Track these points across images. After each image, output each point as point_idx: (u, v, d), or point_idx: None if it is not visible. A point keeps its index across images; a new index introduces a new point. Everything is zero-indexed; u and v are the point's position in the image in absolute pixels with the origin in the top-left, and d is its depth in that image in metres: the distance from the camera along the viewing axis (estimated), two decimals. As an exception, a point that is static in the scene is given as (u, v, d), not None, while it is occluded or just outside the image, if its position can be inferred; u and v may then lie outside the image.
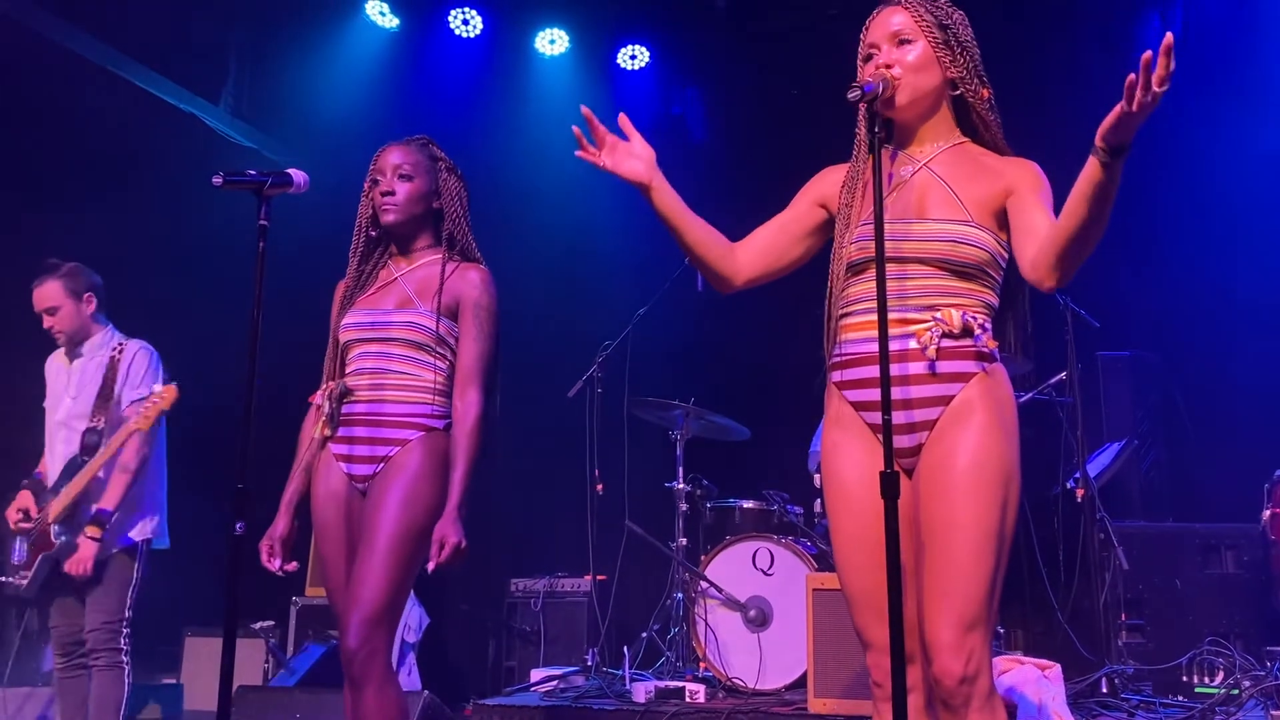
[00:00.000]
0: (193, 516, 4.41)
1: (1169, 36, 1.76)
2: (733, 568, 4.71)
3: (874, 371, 2.10)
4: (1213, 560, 4.74)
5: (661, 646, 4.92)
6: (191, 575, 4.87)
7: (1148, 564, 4.71)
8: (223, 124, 6.52)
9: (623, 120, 2.33)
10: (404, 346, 2.85)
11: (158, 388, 3.89)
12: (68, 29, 5.59)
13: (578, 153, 2.32)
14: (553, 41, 7.14)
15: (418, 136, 3.05)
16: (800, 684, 4.33)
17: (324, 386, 2.89)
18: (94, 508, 3.86)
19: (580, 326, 6.04)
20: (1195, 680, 4.40)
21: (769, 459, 5.79)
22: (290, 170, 2.68)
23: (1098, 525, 4.58)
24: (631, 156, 2.31)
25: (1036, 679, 3.62)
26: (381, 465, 2.78)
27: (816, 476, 4.96)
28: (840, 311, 2.27)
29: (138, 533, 3.98)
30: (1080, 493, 4.55)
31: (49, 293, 4.09)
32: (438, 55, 7.05)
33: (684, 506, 5.06)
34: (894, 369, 2.12)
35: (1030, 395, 4.77)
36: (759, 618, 4.61)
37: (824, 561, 4.60)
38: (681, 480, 5.09)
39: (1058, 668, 3.71)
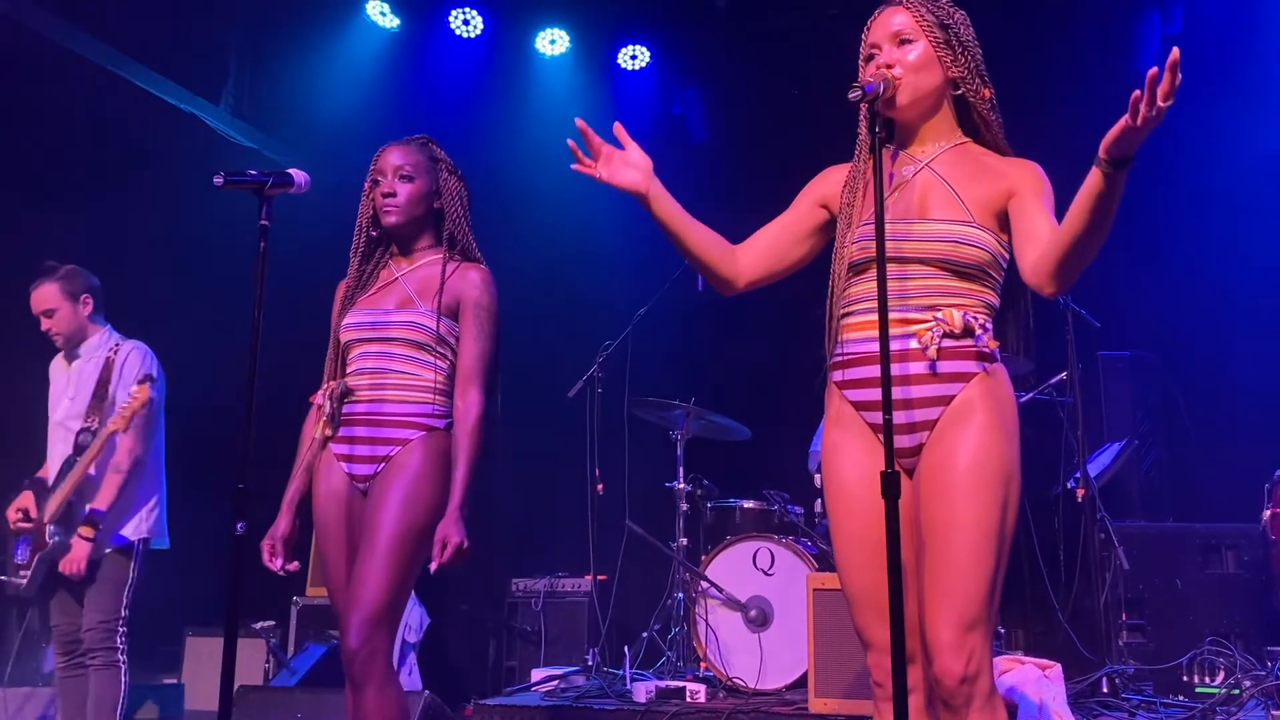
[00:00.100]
0: (193, 516, 4.41)
1: (1175, 52, 1.76)
2: (733, 568, 4.71)
3: (875, 371, 2.10)
4: (1213, 560, 4.74)
5: (662, 646, 4.92)
6: (192, 575, 4.87)
7: (1148, 564, 4.71)
8: (223, 124, 6.52)
9: (618, 129, 2.33)
10: (405, 346, 2.85)
11: (134, 388, 3.90)
12: (68, 29, 5.59)
13: (574, 166, 2.31)
14: (553, 41, 7.14)
15: (418, 136, 3.05)
16: (801, 684, 4.33)
17: (325, 386, 2.90)
18: (87, 508, 3.88)
19: (581, 326, 6.05)
20: (1196, 680, 4.40)
21: (769, 459, 5.79)
22: (291, 170, 2.68)
23: (1098, 525, 4.58)
24: (627, 166, 2.31)
25: (1037, 679, 3.62)
26: (382, 465, 2.79)
27: (817, 476, 4.96)
28: (841, 311, 2.27)
29: (132, 532, 3.99)
30: (1081, 493, 4.55)
31: (46, 295, 4.10)
32: (438, 55, 7.05)
33: (684, 506, 5.06)
34: (895, 369, 2.12)
35: (1031, 395, 4.77)
36: (760, 618, 4.61)
37: (824, 561, 4.60)
38: (682, 480, 5.09)
39: (1058, 667, 3.71)
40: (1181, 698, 4.30)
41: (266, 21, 6.56)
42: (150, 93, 6.09)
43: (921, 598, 2.11)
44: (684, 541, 4.96)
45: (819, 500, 4.93)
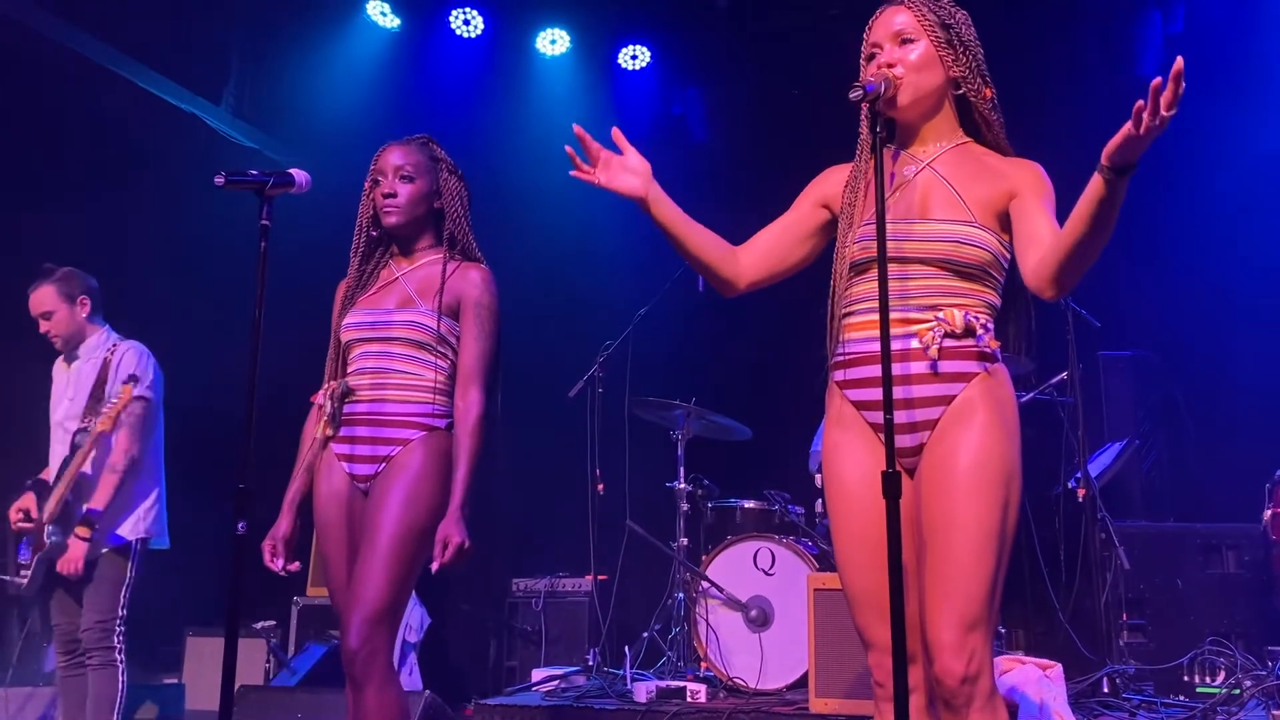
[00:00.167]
0: (194, 516, 4.42)
1: (1179, 62, 1.76)
2: (734, 568, 4.71)
3: (876, 371, 2.10)
4: (1214, 560, 4.74)
5: (663, 646, 4.92)
6: (193, 575, 4.88)
7: (1149, 564, 4.71)
8: (224, 124, 6.52)
9: (616, 134, 2.32)
10: (405, 346, 2.85)
11: (118, 388, 3.91)
12: (68, 29, 5.59)
13: (572, 173, 2.31)
14: (554, 41, 7.14)
15: (418, 136, 3.05)
16: (802, 684, 4.33)
17: (326, 386, 2.90)
18: (84, 508, 3.89)
19: (581, 326, 6.05)
20: (1196, 680, 4.39)
21: (770, 459, 5.79)
22: (292, 170, 2.68)
23: (1099, 525, 4.58)
24: (626, 171, 2.31)
25: (1038, 679, 3.62)
26: (383, 465, 2.79)
27: (817, 476, 4.96)
28: (843, 311, 2.27)
29: (129, 531, 3.99)
30: (1081, 492, 4.55)
31: (43, 298, 4.12)
32: (439, 55, 7.05)
33: (685, 506, 5.06)
34: (896, 368, 2.12)
35: (1031, 395, 4.76)
36: (760, 618, 4.61)
37: (825, 561, 4.60)
38: (683, 480, 5.09)
39: (1059, 667, 3.71)
40: (1182, 698, 4.30)
41: (267, 21, 6.56)
42: (151, 93, 6.10)
43: (922, 598, 2.11)
44: (684, 541, 4.96)
45: (820, 500, 4.93)
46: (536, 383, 5.56)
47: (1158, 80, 1.77)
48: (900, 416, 2.15)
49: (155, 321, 4.65)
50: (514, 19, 7.06)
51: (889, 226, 2.15)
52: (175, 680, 5.42)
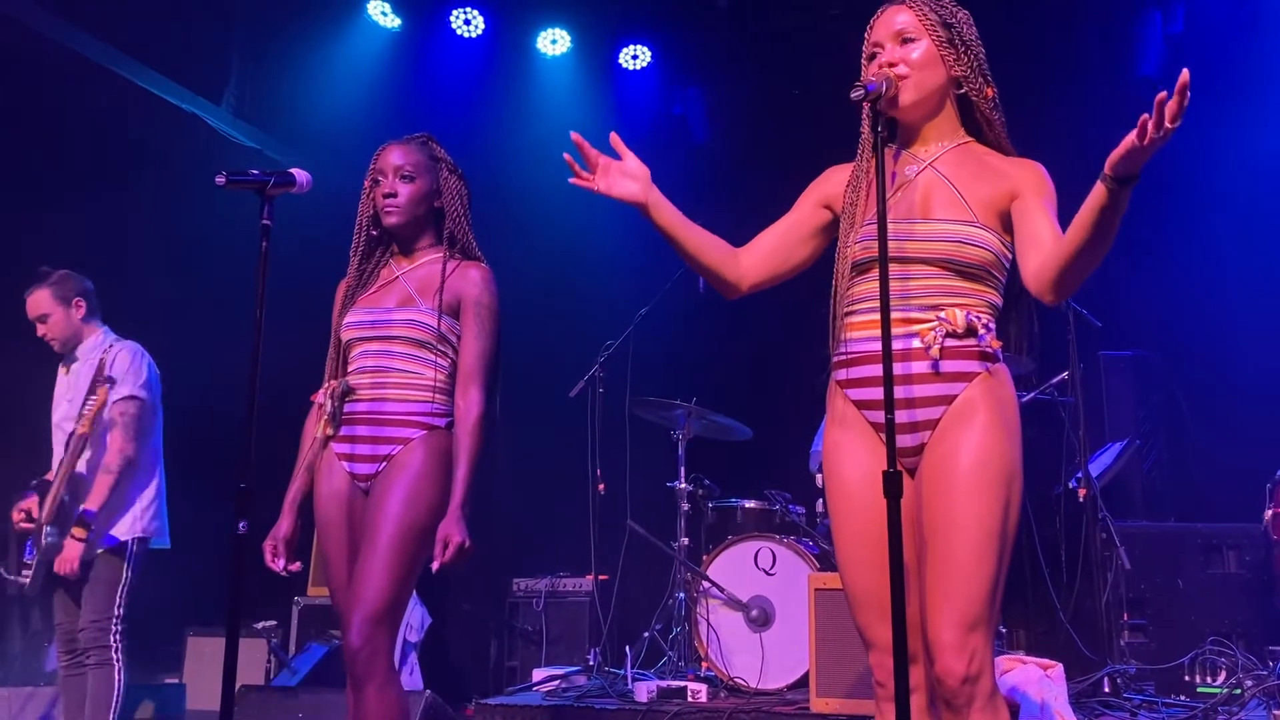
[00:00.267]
0: (194, 516, 4.42)
1: (1184, 74, 1.76)
2: (735, 567, 4.71)
3: (877, 370, 2.10)
4: (1215, 560, 4.74)
5: (663, 646, 4.92)
6: (193, 575, 4.87)
7: (1150, 564, 4.71)
8: (225, 124, 6.52)
9: (614, 140, 2.32)
10: (405, 345, 2.85)
11: (98, 390, 3.92)
12: (68, 29, 5.58)
13: (571, 180, 2.31)
14: (554, 41, 7.14)
15: (418, 135, 3.04)
16: (802, 684, 4.33)
17: (326, 385, 2.90)
18: (80, 508, 3.89)
19: (582, 326, 6.05)
20: (1197, 680, 4.39)
21: (771, 459, 5.79)
22: (293, 170, 2.68)
23: (1100, 525, 4.58)
24: (625, 176, 2.31)
25: (1039, 679, 3.62)
26: (384, 464, 2.79)
27: (818, 476, 4.96)
28: (844, 310, 2.27)
29: (125, 531, 4.00)
30: (1082, 492, 4.55)
31: (39, 301, 4.14)
32: (439, 55, 7.05)
33: (686, 506, 5.05)
34: (897, 368, 2.12)
35: (1032, 395, 4.76)
36: (761, 617, 4.61)
37: (826, 561, 4.60)
38: (683, 480, 5.09)
39: (1060, 667, 3.71)
40: (1183, 697, 4.30)
41: (268, 21, 6.56)
42: (152, 93, 6.09)
43: (923, 597, 2.11)
44: (685, 541, 4.96)
45: (820, 500, 4.93)
46: (537, 383, 5.56)
47: (1163, 94, 1.77)
48: (901, 416, 2.14)
49: (155, 321, 4.65)
50: (514, 19, 7.06)
51: (890, 226, 2.15)
52: (176, 680, 5.41)
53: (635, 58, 7.17)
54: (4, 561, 4.10)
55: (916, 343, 2.16)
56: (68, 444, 3.97)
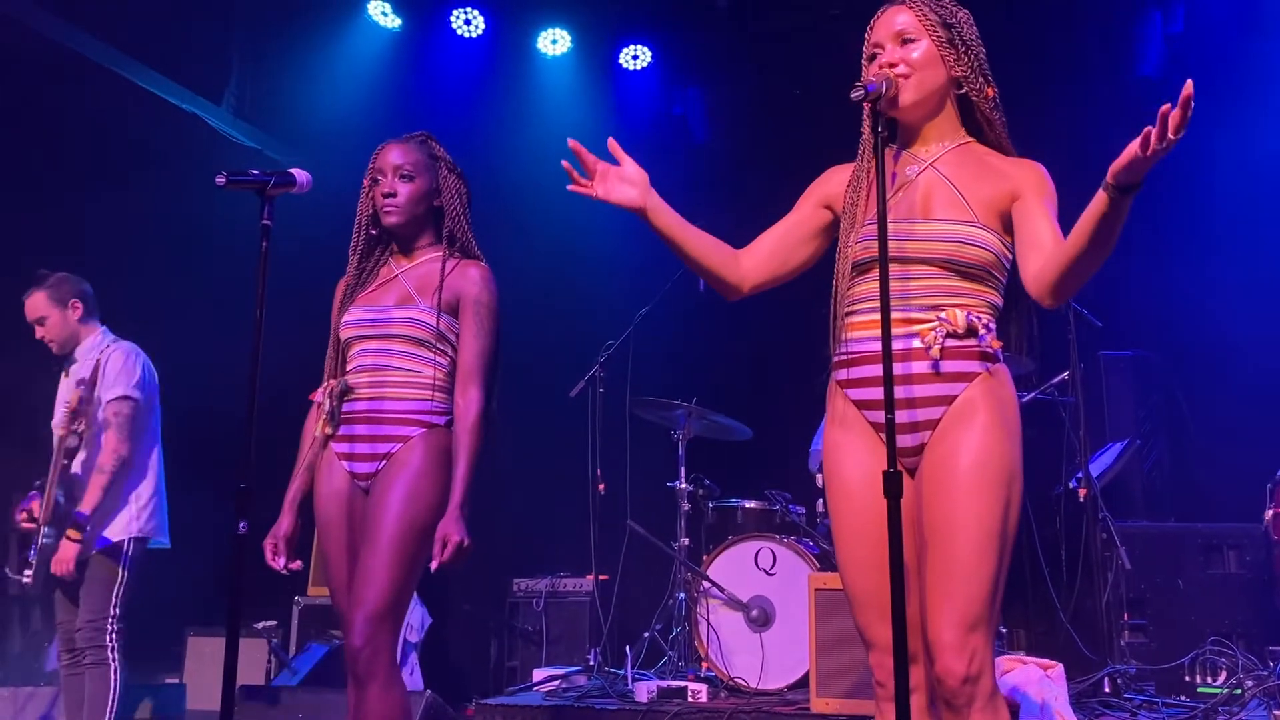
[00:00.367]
0: (195, 516, 4.42)
1: (1189, 86, 1.76)
2: (735, 567, 4.71)
3: (877, 370, 2.10)
4: (1215, 560, 4.73)
5: (664, 646, 4.92)
6: (193, 575, 4.88)
7: (1150, 564, 4.70)
8: (225, 124, 6.52)
9: (612, 145, 2.32)
10: (404, 343, 2.85)
11: (73, 394, 3.94)
12: (69, 29, 5.58)
13: (570, 187, 2.32)
14: (554, 41, 7.14)
15: (417, 133, 3.04)
16: (803, 684, 4.33)
17: (325, 384, 2.90)
18: (74, 510, 3.90)
19: (582, 326, 6.05)
20: (1198, 680, 4.39)
21: (771, 459, 5.79)
22: (293, 170, 2.68)
23: (1100, 525, 4.57)
24: (624, 182, 2.31)
25: (1039, 679, 3.62)
26: (383, 462, 2.78)
27: (818, 476, 4.96)
28: (845, 310, 2.27)
29: (120, 531, 4.00)
30: (1083, 492, 4.55)
31: (36, 304, 4.15)
32: (440, 55, 7.05)
33: (686, 506, 5.05)
34: (897, 368, 2.12)
35: (1033, 395, 4.76)
36: (761, 617, 4.61)
37: (826, 561, 4.60)
38: (683, 480, 5.09)
39: (1060, 667, 3.71)
40: (1183, 698, 4.30)
41: (268, 22, 6.56)
42: (152, 93, 6.09)
43: (923, 597, 2.11)
44: (686, 541, 4.96)
45: (821, 500, 4.93)
46: (537, 383, 5.56)
47: (1167, 106, 1.78)
48: (901, 416, 2.14)
49: (155, 321, 4.65)
50: (515, 19, 7.06)
51: (891, 226, 2.16)
52: (176, 680, 5.41)
53: (635, 58, 7.17)
54: (7, 561, 4.11)
55: (917, 343, 2.16)
56: (63, 444, 3.98)
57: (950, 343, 2.15)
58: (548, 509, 6.29)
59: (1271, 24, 5.91)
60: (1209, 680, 4.37)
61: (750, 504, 5.12)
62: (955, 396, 2.14)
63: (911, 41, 2.26)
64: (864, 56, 2.34)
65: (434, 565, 2.67)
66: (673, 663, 4.84)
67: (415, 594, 4.02)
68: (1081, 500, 4.55)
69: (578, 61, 7.18)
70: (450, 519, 2.68)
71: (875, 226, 2.11)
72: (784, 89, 6.86)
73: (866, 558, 2.18)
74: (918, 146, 2.33)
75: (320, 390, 2.89)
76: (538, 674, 4.87)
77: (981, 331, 2.16)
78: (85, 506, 3.90)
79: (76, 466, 4.00)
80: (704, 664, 4.71)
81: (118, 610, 3.96)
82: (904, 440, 2.16)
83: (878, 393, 2.09)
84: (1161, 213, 5.61)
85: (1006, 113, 2.34)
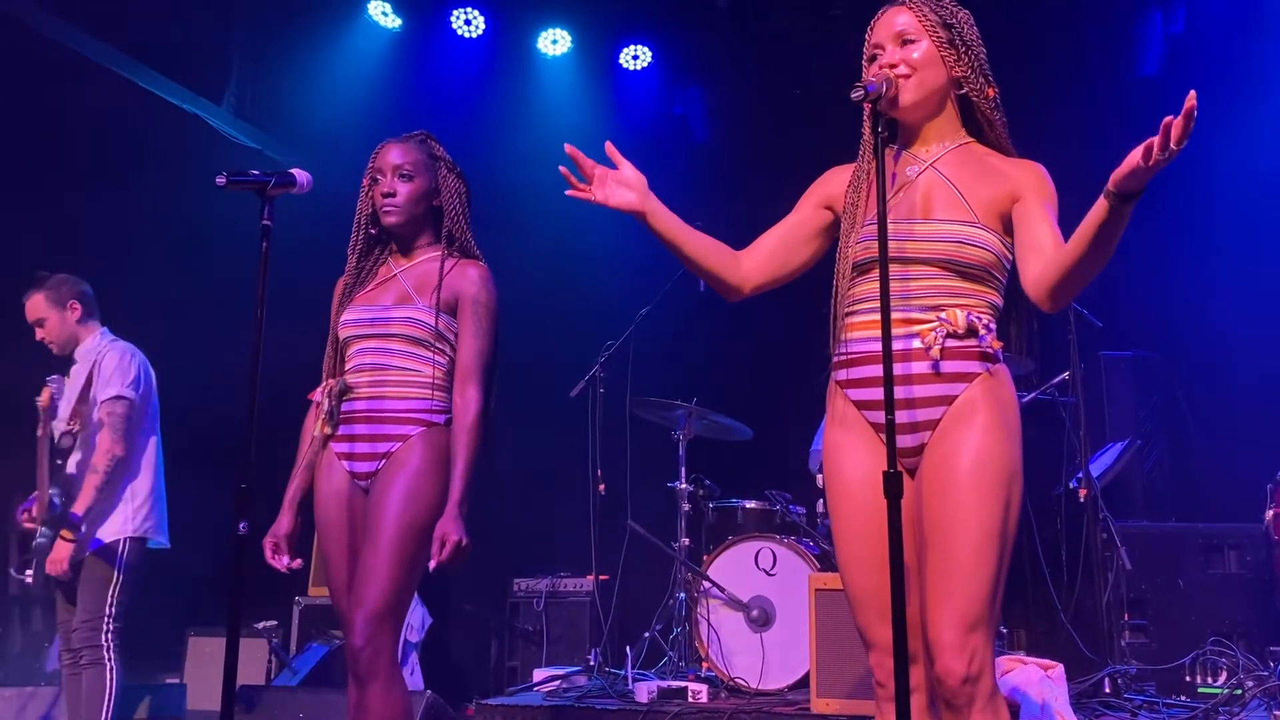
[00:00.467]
0: (194, 516, 4.41)
1: (1192, 97, 1.77)
2: (735, 568, 4.71)
3: (877, 370, 2.10)
4: (1215, 560, 4.73)
5: (664, 646, 4.92)
6: (194, 575, 4.88)
7: (1150, 564, 4.70)
8: (225, 124, 6.51)
9: (610, 149, 2.32)
10: (403, 342, 2.85)
11: (44, 391, 3.95)
12: (69, 29, 5.58)
13: (568, 192, 2.32)
14: (555, 41, 7.13)
15: (417, 133, 3.04)
16: (803, 684, 4.33)
17: (324, 384, 2.89)
18: (70, 510, 3.91)
19: (582, 326, 6.04)
20: (1198, 680, 4.39)
21: (771, 459, 5.79)
22: (293, 170, 2.68)
23: (1100, 525, 4.57)
24: (622, 186, 2.31)
25: (1039, 679, 3.61)
26: (383, 462, 2.78)
27: (818, 476, 4.96)
28: (845, 310, 2.27)
29: (115, 531, 3.99)
30: (1083, 493, 4.54)
31: (35, 305, 4.16)
32: (440, 55, 7.05)
33: (686, 506, 5.05)
34: (897, 368, 2.12)
35: (1033, 395, 4.76)
36: (761, 618, 4.61)
37: (826, 561, 4.60)
38: (684, 480, 5.09)
39: (1060, 668, 3.71)
40: (1184, 698, 4.29)
41: (269, 21, 6.55)
42: (152, 93, 6.09)
43: (923, 598, 2.11)
44: (686, 541, 4.96)
45: (821, 500, 4.93)
46: (537, 383, 5.56)
47: (1169, 118, 1.78)
48: (901, 416, 2.14)
49: (155, 321, 4.65)
50: (515, 19, 7.05)
51: (891, 227, 2.16)
52: (177, 680, 5.41)
53: (636, 58, 7.16)
54: (9, 561, 4.11)
55: (917, 343, 2.16)
56: (60, 444, 3.99)
57: (950, 343, 2.15)
58: (548, 509, 6.29)
59: (1272, 24, 5.91)
60: (1209, 680, 4.37)
61: (750, 504, 5.12)
62: (955, 397, 2.14)
63: (912, 42, 2.26)
64: (864, 57, 2.34)
65: (432, 565, 2.67)
66: (673, 663, 4.84)
67: (416, 594, 4.04)
68: (1082, 500, 4.55)
69: (578, 61, 7.18)
70: (448, 518, 2.68)
71: (875, 227, 2.11)
72: (784, 89, 6.86)
73: (867, 558, 2.18)
74: (918, 147, 2.33)
75: (319, 390, 2.89)
76: (538, 674, 4.87)
77: (982, 332, 2.16)
78: (79, 507, 3.90)
79: (72, 467, 4.00)
80: (704, 664, 4.71)
81: (113, 610, 3.96)
82: (904, 440, 2.16)
83: (878, 393, 2.09)
84: (1162, 213, 5.59)
85: (1007, 113, 2.34)
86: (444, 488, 2.75)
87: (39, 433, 3.95)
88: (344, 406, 2.84)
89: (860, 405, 2.24)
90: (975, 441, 2.10)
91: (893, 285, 2.12)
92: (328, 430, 2.84)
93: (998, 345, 2.20)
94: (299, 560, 2.86)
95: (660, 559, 5.21)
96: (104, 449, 3.96)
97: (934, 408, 2.15)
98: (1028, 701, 3.57)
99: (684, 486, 5.08)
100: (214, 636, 5.41)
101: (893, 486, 1.98)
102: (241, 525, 2.44)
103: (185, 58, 6.19)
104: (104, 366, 4.06)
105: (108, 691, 3.89)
